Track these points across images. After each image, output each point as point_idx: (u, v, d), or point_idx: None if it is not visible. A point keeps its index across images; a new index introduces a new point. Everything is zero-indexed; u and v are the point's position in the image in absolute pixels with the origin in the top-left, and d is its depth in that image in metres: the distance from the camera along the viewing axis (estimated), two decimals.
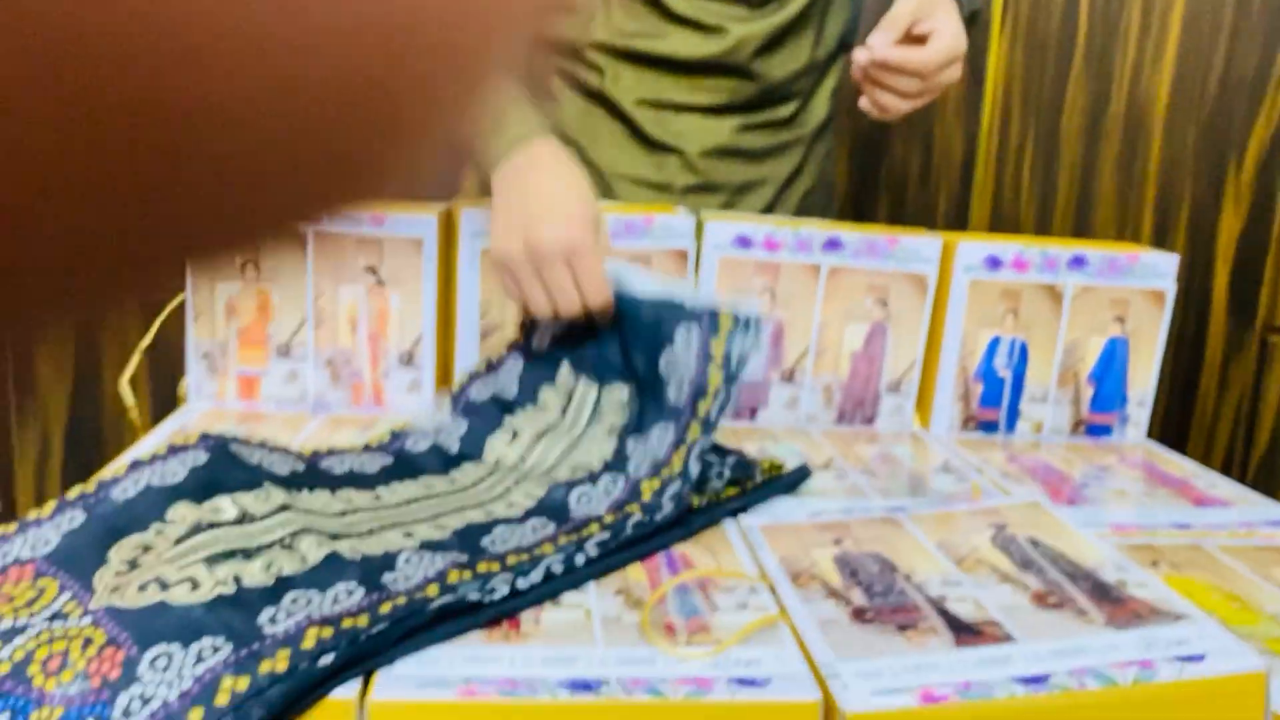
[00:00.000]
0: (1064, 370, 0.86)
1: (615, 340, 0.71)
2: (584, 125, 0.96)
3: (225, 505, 0.53)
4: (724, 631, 0.49)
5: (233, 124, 0.12)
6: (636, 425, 0.67)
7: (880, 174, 1.59)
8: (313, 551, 0.51)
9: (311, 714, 0.42)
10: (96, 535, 0.51)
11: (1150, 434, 0.88)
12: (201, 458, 0.57)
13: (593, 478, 0.64)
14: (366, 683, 0.44)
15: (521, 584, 0.50)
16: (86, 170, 0.11)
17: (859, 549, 0.59)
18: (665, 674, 0.45)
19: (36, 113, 0.11)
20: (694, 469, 0.62)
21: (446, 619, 0.47)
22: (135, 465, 0.56)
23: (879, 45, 0.81)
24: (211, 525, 0.52)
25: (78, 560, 0.49)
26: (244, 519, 0.53)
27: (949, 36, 0.81)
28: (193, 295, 0.82)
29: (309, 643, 0.43)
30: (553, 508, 0.61)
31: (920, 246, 0.84)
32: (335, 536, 0.54)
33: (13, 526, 0.52)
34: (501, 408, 0.72)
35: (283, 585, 0.48)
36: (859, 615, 0.51)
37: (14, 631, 0.45)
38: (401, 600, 0.48)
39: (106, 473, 0.57)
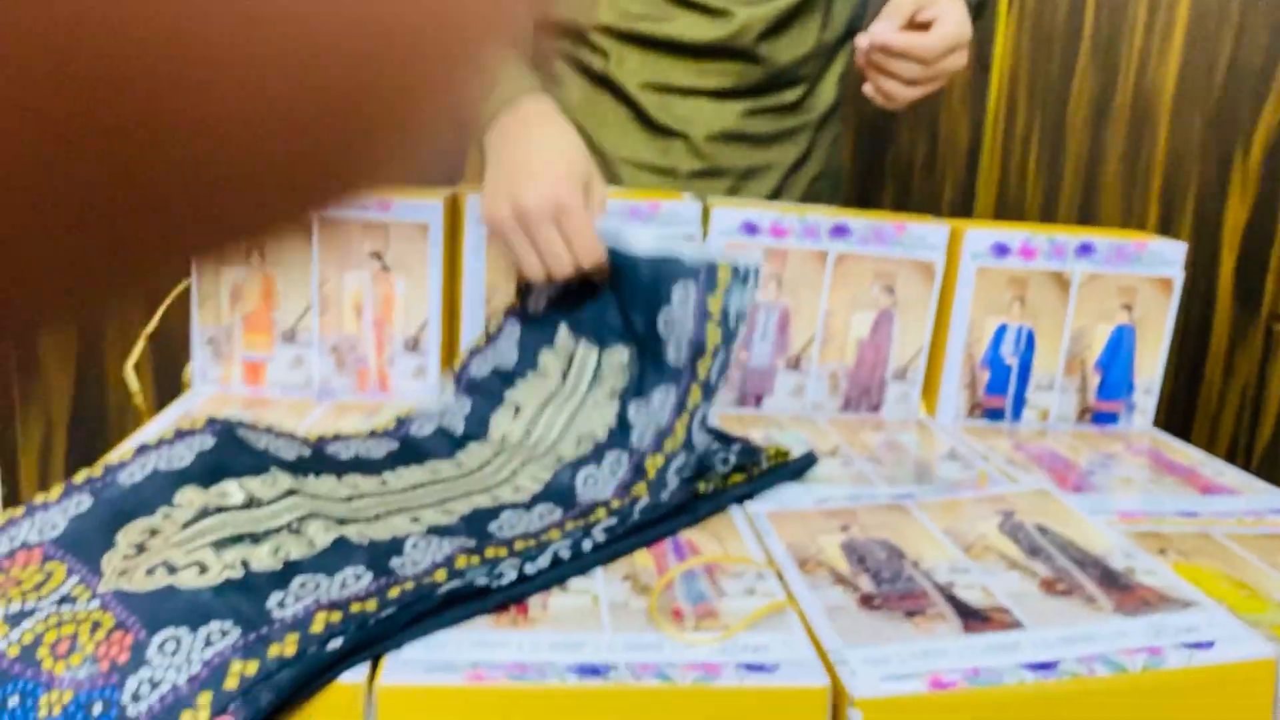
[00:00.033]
0: (1071, 358, 0.86)
1: (613, 300, 0.70)
2: (588, 109, 0.96)
3: (232, 490, 0.53)
4: (731, 617, 0.49)
5: (231, 126, 0.12)
6: (637, 388, 0.67)
7: (885, 161, 1.59)
8: (320, 536, 0.51)
9: (320, 698, 0.42)
10: (104, 519, 0.51)
11: (1155, 422, 0.88)
12: (208, 442, 0.57)
13: (598, 454, 0.63)
14: (375, 667, 0.44)
15: (529, 569, 0.50)
16: (88, 177, 0.11)
17: (866, 536, 0.59)
18: (673, 659, 0.45)
19: (40, 121, 0.11)
20: (698, 440, 0.61)
21: (454, 604, 0.47)
22: (142, 449, 0.56)
23: (881, 31, 0.80)
24: (219, 509, 0.52)
25: (85, 544, 0.49)
26: (251, 504, 0.53)
27: (952, 24, 0.81)
28: (198, 281, 0.81)
29: (317, 627, 0.43)
30: (559, 492, 0.61)
31: (927, 233, 0.84)
32: (342, 521, 0.54)
33: (20, 510, 0.52)
34: (503, 380, 0.71)
35: (290, 570, 0.48)
36: (867, 602, 0.51)
37: (22, 615, 0.45)
38: (410, 585, 0.48)
39: (113, 457, 0.57)
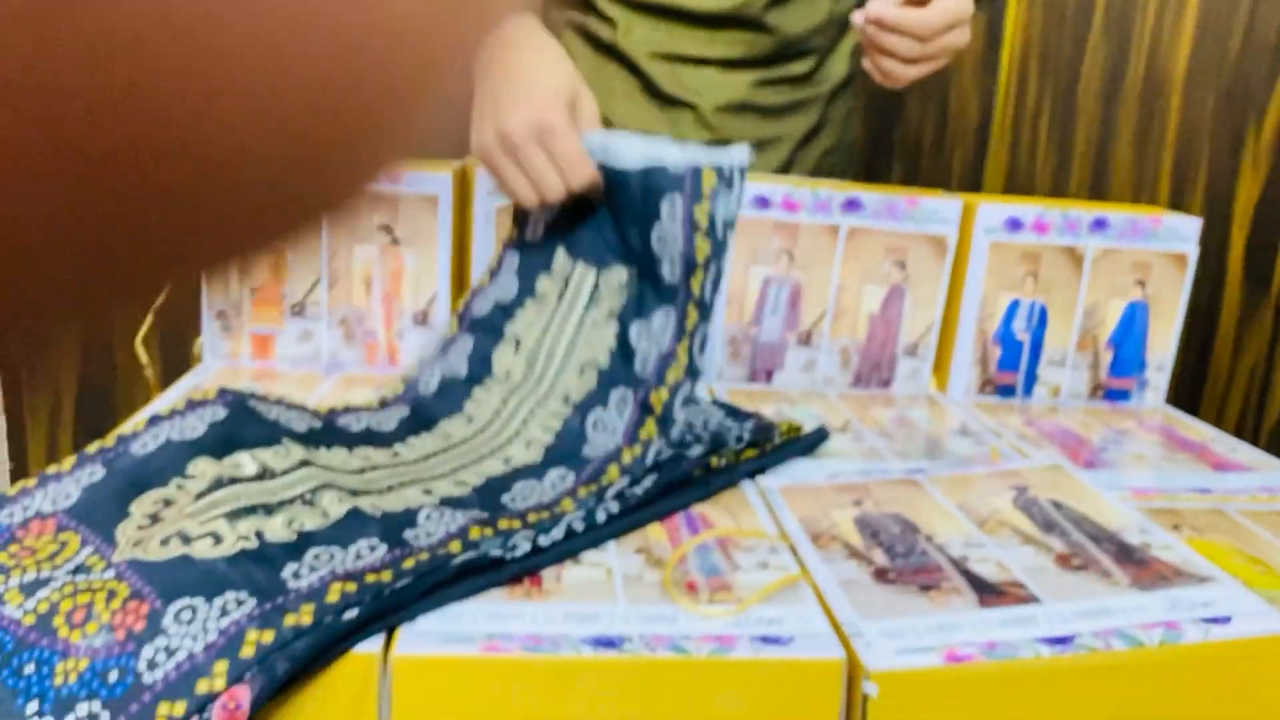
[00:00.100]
0: (1083, 334, 0.85)
1: (609, 218, 0.68)
2: (595, 79, 0.95)
3: (245, 461, 0.53)
4: (745, 590, 0.49)
5: (236, 138, 0.13)
6: (637, 309, 0.65)
7: (894, 138, 1.58)
8: (334, 507, 0.51)
9: (335, 668, 0.42)
10: (117, 489, 0.51)
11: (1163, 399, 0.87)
12: (220, 413, 0.56)
13: (603, 391, 0.63)
14: (389, 638, 0.44)
15: (543, 541, 0.50)
16: (96, 191, 0.12)
17: (879, 510, 0.59)
18: (688, 631, 0.45)
19: (47, 137, 0.11)
20: (700, 363, 0.61)
21: (469, 575, 0.47)
22: (154, 420, 0.56)
23: (877, 5, 0.78)
24: (233, 480, 0.52)
25: (99, 514, 0.49)
26: (264, 475, 0.53)
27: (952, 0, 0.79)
28: None
29: (333, 597, 0.43)
30: (570, 446, 0.60)
31: (940, 208, 0.83)
32: (355, 493, 0.53)
33: (33, 481, 0.52)
34: (503, 313, 0.70)
35: (305, 540, 0.48)
36: (881, 575, 0.51)
37: (38, 584, 0.45)
38: (424, 556, 0.47)
39: (126, 428, 0.57)
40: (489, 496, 0.56)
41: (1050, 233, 0.84)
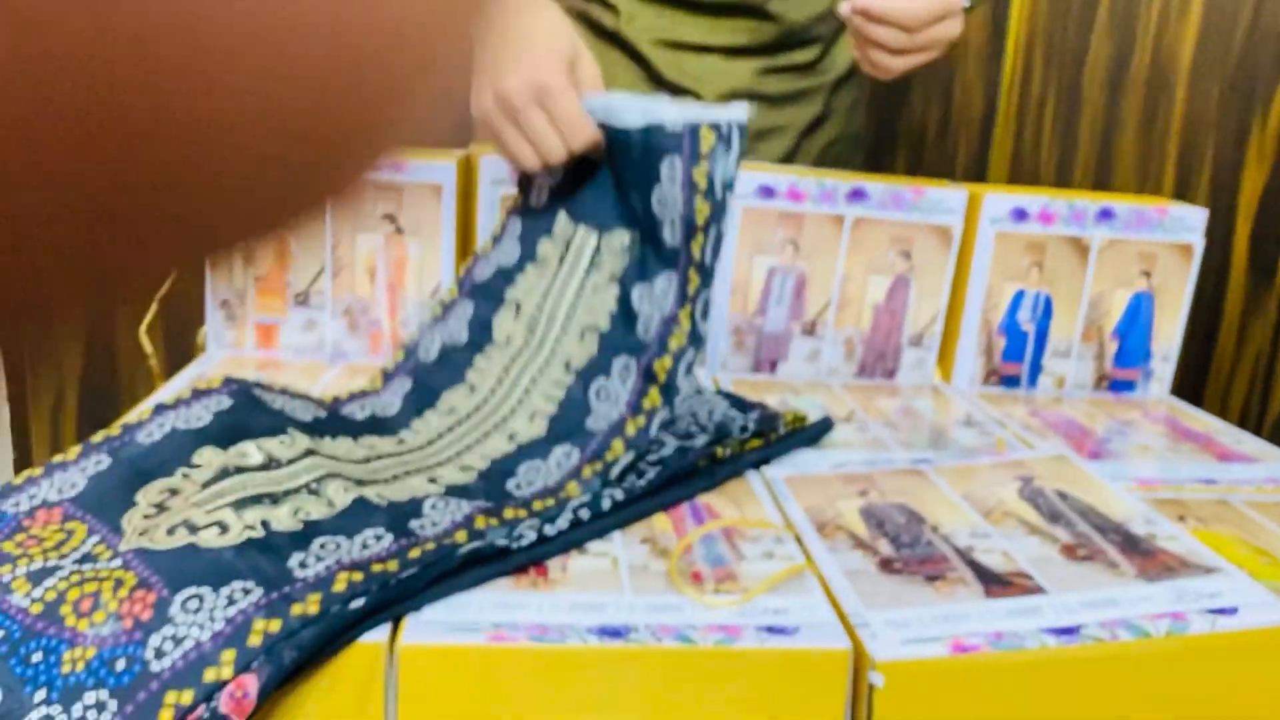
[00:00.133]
0: (1088, 324, 0.85)
1: (611, 181, 0.67)
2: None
3: (251, 450, 0.53)
4: (751, 580, 0.49)
5: (237, 124, 0.13)
6: (639, 273, 0.65)
7: (898, 127, 1.57)
8: (339, 496, 0.51)
9: (342, 657, 0.42)
10: (123, 478, 0.51)
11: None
12: (225, 402, 0.56)
13: (605, 359, 0.62)
14: (396, 627, 0.44)
15: (549, 530, 0.50)
16: (100, 178, 0.12)
17: (884, 500, 0.59)
18: (694, 621, 0.45)
19: (54, 123, 0.11)
20: (702, 329, 0.60)
21: (474, 565, 0.47)
22: (159, 409, 0.56)
23: None
24: (239, 470, 0.52)
25: (105, 503, 0.49)
26: (269, 464, 0.53)
27: None
28: None
29: (340, 586, 0.43)
30: (573, 413, 0.60)
31: (945, 198, 0.83)
32: (361, 482, 0.53)
33: (39, 470, 0.52)
34: (504, 278, 0.69)
35: (310, 530, 0.48)
36: (886, 565, 0.51)
37: (44, 573, 0.45)
38: (430, 546, 0.47)
39: (131, 417, 0.57)
40: (494, 483, 0.56)
41: (1056, 223, 0.83)
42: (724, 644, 0.44)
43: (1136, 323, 0.85)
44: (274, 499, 0.50)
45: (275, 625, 0.41)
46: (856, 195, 0.82)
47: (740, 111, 0.63)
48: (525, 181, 0.72)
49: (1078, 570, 0.50)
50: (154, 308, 0.81)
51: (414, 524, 0.50)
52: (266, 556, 0.45)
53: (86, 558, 0.46)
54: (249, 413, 0.56)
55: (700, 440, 0.61)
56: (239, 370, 0.78)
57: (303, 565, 0.45)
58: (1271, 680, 0.46)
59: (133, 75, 0.11)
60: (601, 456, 0.57)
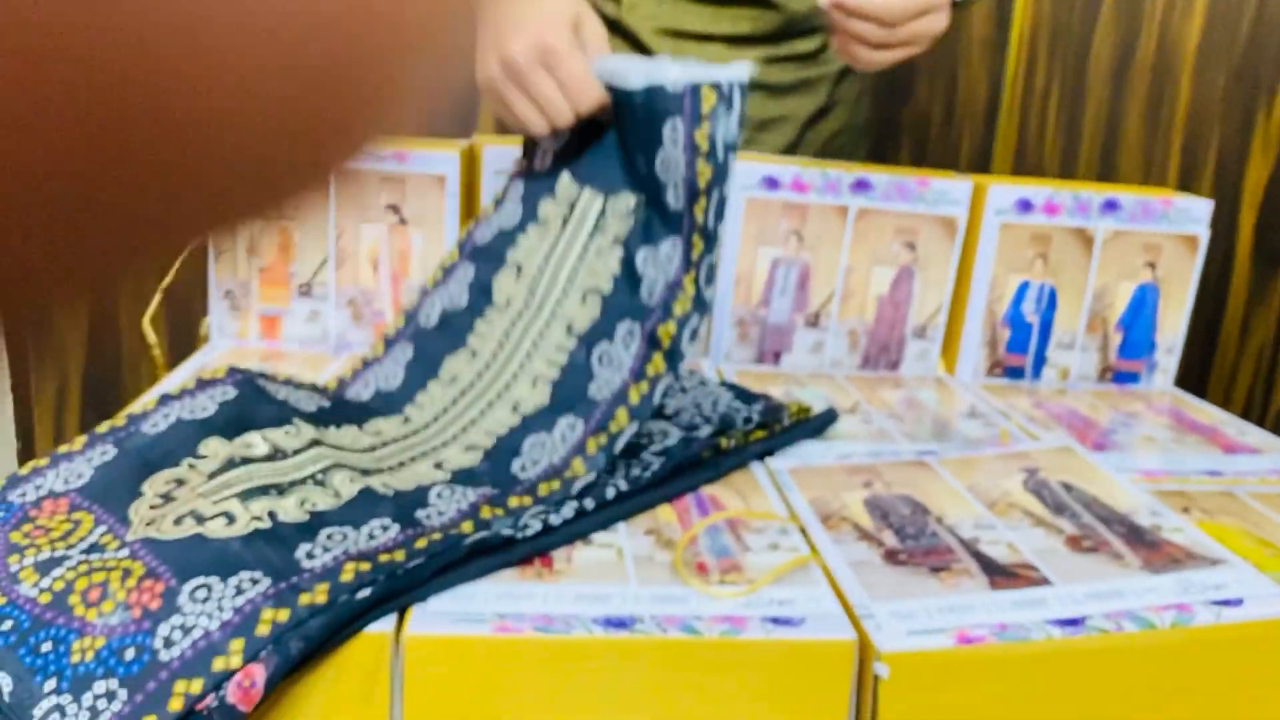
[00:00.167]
0: (1093, 316, 0.85)
1: (617, 144, 0.66)
2: None
3: (256, 441, 0.53)
4: (756, 571, 0.49)
5: (230, 103, 0.13)
6: (645, 236, 0.64)
7: (902, 118, 1.57)
8: (345, 487, 0.51)
9: (348, 648, 0.42)
10: (129, 469, 0.51)
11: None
12: (230, 393, 0.56)
13: (608, 323, 0.61)
14: (401, 618, 0.44)
15: (554, 519, 0.50)
16: (95, 158, 0.13)
17: (889, 492, 0.59)
18: (699, 612, 0.45)
19: (48, 102, 0.12)
20: (707, 295, 0.60)
21: (480, 555, 0.47)
22: (164, 399, 0.56)
23: None
24: (245, 461, 0.52)
25: (111, 493, 0.49)
26: (275, 455, 0.53)
27: None
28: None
29: (347, 576, 0.43)
30: (576, 379, 0.59)
31: (950, 189, 0.83)
32: (367, 472, 0.53)
33: (45, 460, 0.52)
34: (505, 240, 0.68)
35: (317, 521, 0.48)
36: (891, 557, 0.51)
37: (52, 563, 0.45)
38: (437, 536, 0.47)
39: (135, 407, 0.57)
40: (500, 464, 0.56)
41: (1061, 214, 0.83)
42: (729, 635, 0.44)
43: (1141, 314, 0.85)
44: (280, 490, 0.50)
45: (284, 615, 0.41)
46: (861, 186, 0.82)
47: (742, 70, 0.62)
48: (530, 146, 0.71)
49: (1083, 562, 0.50)
50: (158, 298, 0.81)
51: (420, 514, 0.50)
52: (274, 547, 0.45)
53: (94, 548, 0.46)
54: (253, 403, 0.56)
55: (704, 432, 0.61)
56: (242, 361, 0.78)
57: (310, 556, 0.45)
58: (1276, 672, 0.46)
59: (127, 62, 0.12)
60: (605, 428, 0.56)
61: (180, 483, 0.50)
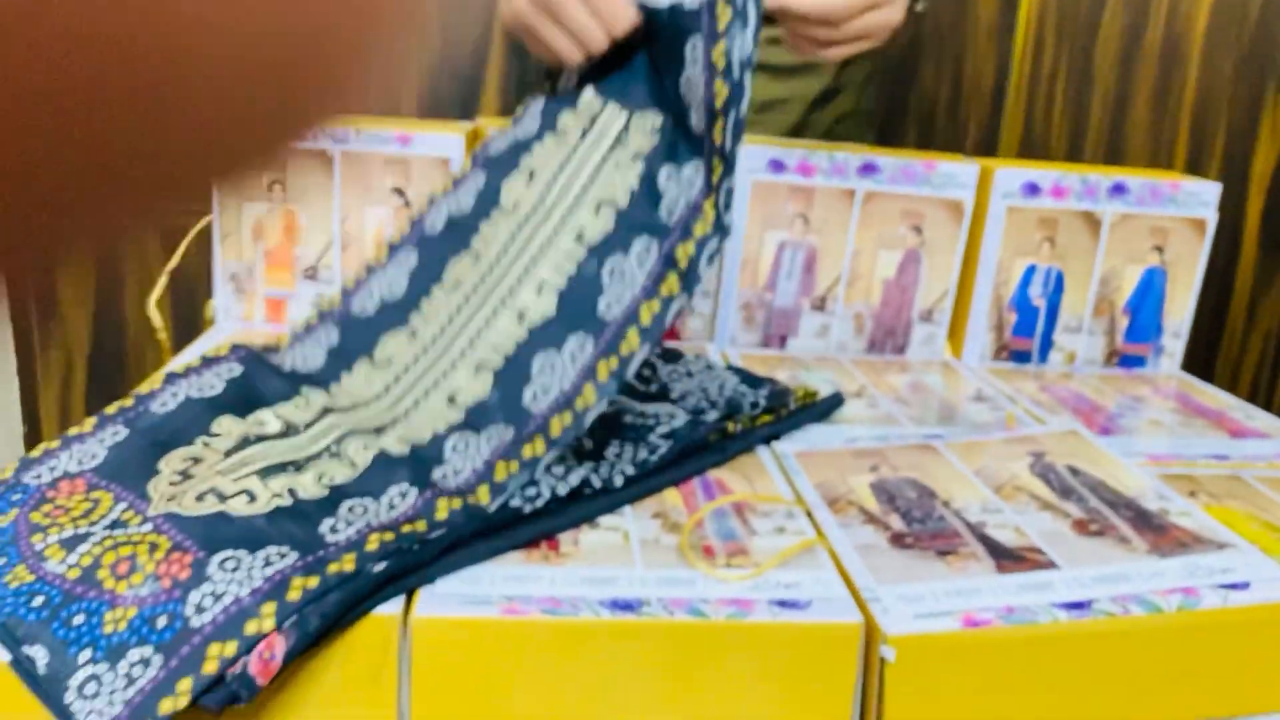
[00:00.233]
0: (1100, 300, 0.85)
1: (646, 63, 0.65)
2: None
3: (269, 419, 0.53)
4: (762, 555, 0.49)
5: (212, 70, 0.14)
6: (669, 154, 0.63)
7: (908, 101, 1.56)
8: (360, 455, 0.51)
9: (356, 630, 0.43)
10: (142, 448, 0.51)
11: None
12: (236, 369, 0.57)
13: (624, 237, 0.60)
14: (409, 600, 0.44)
15: (561, 490, 0.50)
16: (88, 123, 0.13)
17: (896, 475, 0.59)
18: (706, 595, 0.45)
19: (38, 75, 0.12)
20: (726, 220, 0.59)
21: (488, 535, 0.48)
22: (170, 378, 0.56)
23: None
24: (259, 439, 0.52)
25: (127, 472, 0.49)
26: (288, 431, 0.53)
27: None
28: (219, 216, 0.81)
29: (372, 546, 0.44)
30: (585, 291, 0.58)
31: (957, 172, 0.82)
32: (379, 430, 0.54)
33: (56, 442, 0.52)
34: (521, 149, 0.67)
35: (337, 494, 0.49)
36: (898, 540, 0.51)
37: (77, 539, 0.45)
38: (456, 504, 0.48)
39: (143, 387, 0.57)
40: (511, 393, 0.55)
41: (1068, 198, 0.83)
42: (736, 618, 0.44)
43: (1148, 298, 0.85)
44: (298, 466, 0.50)
45: (314, 582, 0.42)
46: (867, 169, 0.82)
47: None
48: (553, 74, 0.70)
49: (1089, 545, 0.50)
50: (163, 281, 0.81)
51: (436, 473, 0.51)
52: (297, 523, 0.46)
53: (117, 524, 0.46)
54: (261, 377, 0.57)
55: (711, 416, 0.61)
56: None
57: (334, 530, 0.46)
58: None
59: (108, 32, 0.13)
60: (616, 349, 0.55)
61: (197, 460, 0.50)
